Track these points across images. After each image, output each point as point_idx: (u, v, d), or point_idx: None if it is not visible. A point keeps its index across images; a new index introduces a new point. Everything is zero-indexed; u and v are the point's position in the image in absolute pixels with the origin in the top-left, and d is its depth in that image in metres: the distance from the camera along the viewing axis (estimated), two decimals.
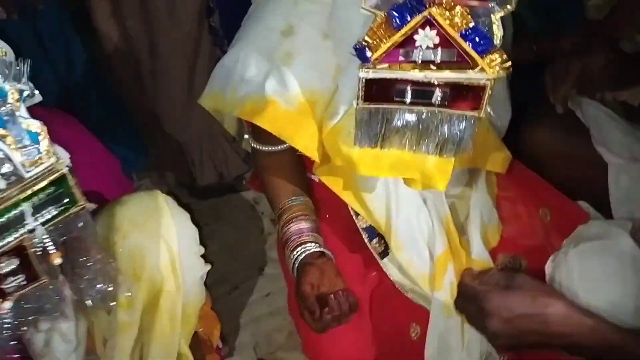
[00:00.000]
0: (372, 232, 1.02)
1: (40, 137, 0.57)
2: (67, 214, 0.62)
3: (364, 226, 1.03)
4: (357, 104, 0.72)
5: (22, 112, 0.57)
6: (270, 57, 0.90)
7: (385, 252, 1.03)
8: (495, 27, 0.63)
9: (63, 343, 0.80)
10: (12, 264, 0.60)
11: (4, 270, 0.59)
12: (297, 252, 0.97)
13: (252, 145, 1.03)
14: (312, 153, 0.93)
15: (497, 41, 0.64)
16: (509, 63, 0.64)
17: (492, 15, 0.63)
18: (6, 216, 0.57)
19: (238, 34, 0.97)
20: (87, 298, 0.70)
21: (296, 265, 0.98)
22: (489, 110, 0.68)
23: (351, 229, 1.03)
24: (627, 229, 0.91)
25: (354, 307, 0.94)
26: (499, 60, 0.64)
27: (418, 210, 1.00)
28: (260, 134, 1.00)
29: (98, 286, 0.71)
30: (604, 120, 1.08)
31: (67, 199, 0.62)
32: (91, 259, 0.68)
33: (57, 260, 0.63)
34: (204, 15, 1.30)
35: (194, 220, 1.00)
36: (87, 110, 1.37)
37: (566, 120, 1.11)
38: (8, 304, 0.63)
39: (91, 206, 0.67)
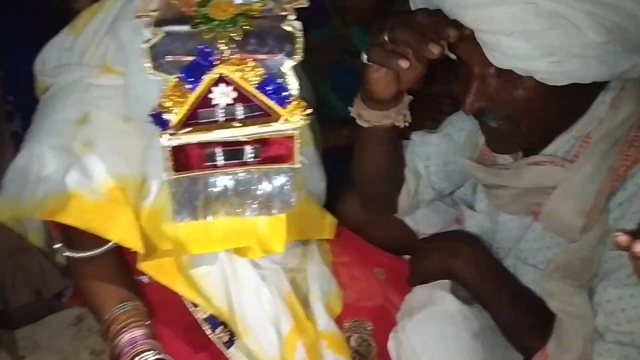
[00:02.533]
0: (214, 321, 0.94)
1: None
2: None
3: (204, 317, 0.94)
4: (168, 176, 0.67)
5: None
6: (68, 149, 0.83)
7: (230, 341, 0.95)
8: (288, 77, 0.64)
9: None
10: None
11: None
12: None
13: (66, 254, 0.91)
14: (132, 243, 0.84)
15: (293, 91, 0.64)
16: (310, 110, 0.65)
17: (281, 67, 0.63)
18: None
19: (29, 131, 0.88)
20: None
21: None
22: (303, 159, 0.68)
23: (191, 326, 0.94)
24: (448, 288, 0.96)
25: None
26: (299, 108, 0.64)
27: (258, 290, 0.95)
28: (74, 240, 0.89)
29: None
30: None
31: None
32: None
33: None
34: (4, 120, 1.19)
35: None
36: None
37: None
38: None
39: None
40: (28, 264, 1.33)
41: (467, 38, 0.71)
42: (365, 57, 0.80)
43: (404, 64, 0.74)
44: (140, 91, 0.78)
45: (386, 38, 0.77)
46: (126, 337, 0.88)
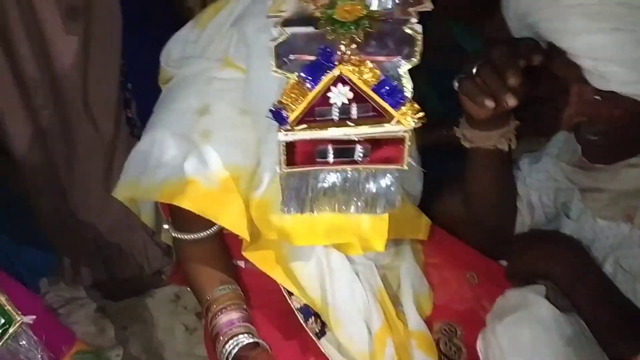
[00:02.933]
0: (307, 311, 0.97)
1: None
2: (7, 336, 0.57)
3: (298, 306, 0.97)
4: (280, 170, 0.69)
5: None
6: (187, 137, 0.87)
7: (322, 332, 0.97)
8: (404, 80, 0.64)
9: None
10: None
11: None
12: (230, 345, 0.90)
13: (174, 235, 0.97)
14: (241, 231, 0.88)
15: (407, 93, 0.64)
16: (422, 113, 0.64)
17: (398, 69, 0.64)
18: None
19: (151, 119, 0.93)
20: None
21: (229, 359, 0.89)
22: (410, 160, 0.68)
23: (284, 313, 0.97)
24: (543, 293, 0.94)
25: None
26: (412, 111, 0.64)
27: (352, 284, 0.96)
28: (182, 222, 0.95)
29: None
30: None
31: (3, 320, 0.57)
32: None
33: None
34: (121, 106, 1.27)
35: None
36: None
37: None
38: None
39: (31, 318, 0.61)
40: (134, 241, 1.42)
41: (561, 57, 0.70)
42: (456, 85, 0.81)
43: (489, 104, 0.75)
44: (260, 87, 0.81)
45: (474, 71, 0.77)
46: (224, 318, 0.92)
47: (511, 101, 0.72)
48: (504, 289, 1.01)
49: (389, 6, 0.63)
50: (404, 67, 0.64)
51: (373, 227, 0.83)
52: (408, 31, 0.62)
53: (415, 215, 1.03)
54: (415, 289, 1.02)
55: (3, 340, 0.59)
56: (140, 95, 1.28)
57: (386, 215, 0.80)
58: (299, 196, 0.71)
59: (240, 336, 0.91)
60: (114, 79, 1.23)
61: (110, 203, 1.28)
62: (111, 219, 1.35)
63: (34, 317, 0.70)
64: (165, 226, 0.99)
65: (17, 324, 0.60)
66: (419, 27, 0.62)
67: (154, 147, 0.89)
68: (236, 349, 0.90)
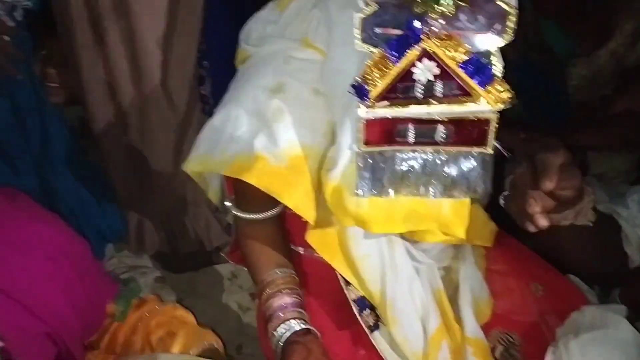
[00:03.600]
0: (364, 303, 0.95)
1: None
2: None
3: (355, 297, 0.95)
4: (359, 148, 0.68)
5: None
6: (260, 114, 0.87)
7: (375, 325, 0.95)
8: (494, 58, 0.61)
9: None
10: None
11: None
12: (282, 329, 0.89)
13: (235, 213, 0.97)
14: (305, 212, 0.86)
15: (497, 72, 0.62)
16: (512, 94, 0.61)
17: (488, 47, 0.61)
18: None
19: (226, 95, 0.94)
20: None
21: (281, 344, 0.89)
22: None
23: (339, 304, 0.96)
24: (624, 314, 0.88)
25: None
26: (501, 91, 0.61)
27: (411, 282, 0.94)
28: (245, 202, 0.95)
29: None
30: None
31: None
32: None
33: None
34: (196, 83, 1.29)
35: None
36: (63, 184, 1.31)
37: None
38: None
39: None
40: (198, 217, 1.44)
41: None
42: (502, 201, 0.78)
43: (531, 228, 0.72)
44: (340, 65, 0.80)
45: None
46: (278, 302, 0.91)
47: (542, 223, 0.70)
48: (569, 304, 0.96)
49: None
50: (495, 44, 0.61)
51: (454, 212, 0.79)
52: (501, 4, 0.59)
53: (485, 222, 0.97)
54: (475, 294, 0.98)
55: None
56: (215, 73, 1.30)
57: (467, 200, 0.77)
58: (376, 177, 0.70)
59: (293, 321, 0.90)
60: (192, 57, 1.24)
61: (178, 177, 1.32)
62: (178, 193, 1.37)
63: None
64: (228, 203, 0.99)
65: None
66: (513, 1, 0.60)
67: (228, 123, 0.89)
68: (288, 334, 0.89)
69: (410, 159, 0.68)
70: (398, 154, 0.67)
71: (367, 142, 0.67)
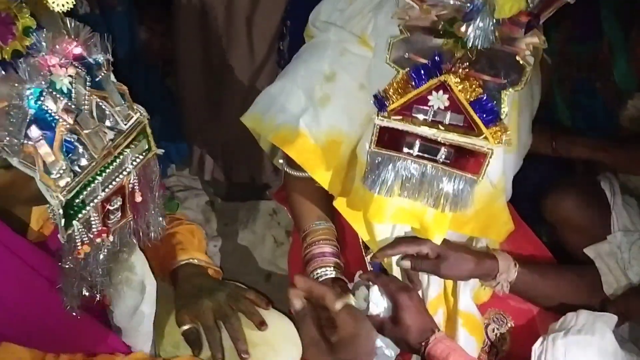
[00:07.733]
0: (378, 267, 1.04)
1: (125, 97, 0.64)
2: (146, 158, 0.68)
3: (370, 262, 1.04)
4: (369, 148, 0.75)
5: (112, 77, 0.64)
6: (310, 95, 0.95)
7: None
8: (502, 102, 0.65)
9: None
10: (118, 202, 0.66)
11: (112, 207, 0.65)
12: (320, 272, 0.97)
13: (285, 169, 1.06)
14: (331, 189, 0.95)
15: (502, 115, 0.66)
16: (510, 138, 0.66)
17: (502, 92, 0.65)
18: (116, 161, 0.64)
19: (286, 68, 1.02)
20: (152, 231, 0.73)
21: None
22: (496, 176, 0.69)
23: (362, 262, 1.05)
24: (612, 325, 0.92)
25: None
26: (502, 133, 0.66)
27: None
28: (293, 160, 1.02)
29: (160, 219, 0.74)
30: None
31: (147, 147, 0.68)
32: (156, 197, 0.72)
33: (139, 198, 0.69)
34: (277, 38, 1.38)
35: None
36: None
37: (592, 195, 1.13)
38: (112, 237, 0.68)
39: (160, 151, 0.70)
40: (254, 154, 1.54)
41: None
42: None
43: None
44: (382, 71, 0.83)
45: None
46: (317, 250, 0.99)
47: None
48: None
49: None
50: (507, 92, 0.65)
51: (436, 220, 0.86)
52: (520, 61, 0.62)
53: (506, 221, 1.01)
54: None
55: (143, 162, 0.66)
56: (294, 32, 1.36)
57: (450, 214, 0.82)
58: (379, 176, 0.76)
59: (327, 269, 0.98)
60: (277, 14, 1.34)
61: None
62: (240, 130, 1.47)
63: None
64: (280, 160, 1.08)
65: (153, 153, 0.67)
66: (531, 60, 0.62)
67: (282, 94, 0.97)
68: (323, 278, 0.96)
69: (412, 167, 0.74)
70: (402, 161, 0.73)
71: (377, 144, 0.73)
